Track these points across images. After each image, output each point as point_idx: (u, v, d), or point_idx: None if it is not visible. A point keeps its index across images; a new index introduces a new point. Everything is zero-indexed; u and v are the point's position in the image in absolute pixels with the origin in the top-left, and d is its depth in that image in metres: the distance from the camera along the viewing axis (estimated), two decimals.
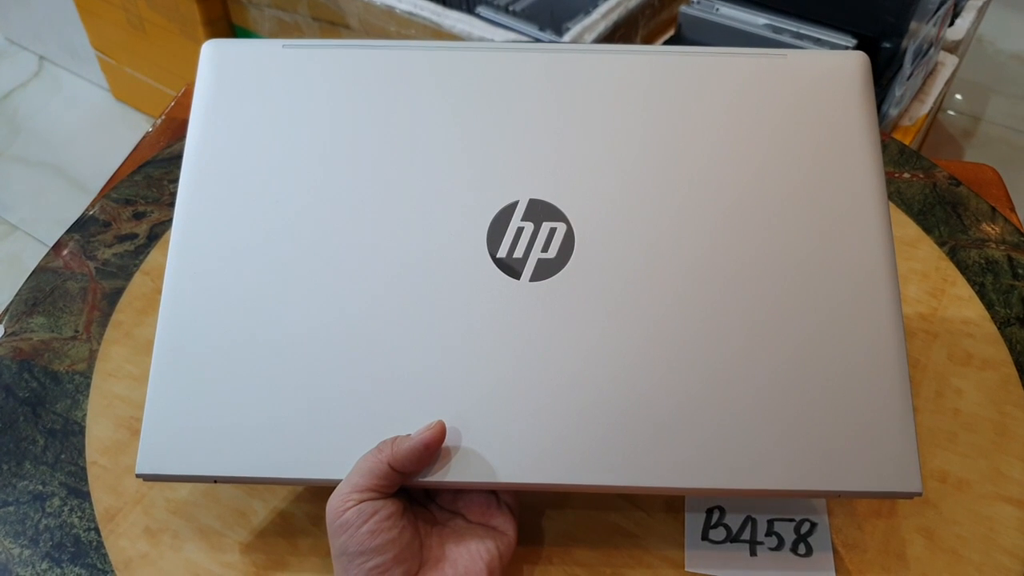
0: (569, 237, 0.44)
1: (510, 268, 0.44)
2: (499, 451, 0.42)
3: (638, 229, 0.45)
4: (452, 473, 0.41)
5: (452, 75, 0.48)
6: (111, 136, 1.60)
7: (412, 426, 0.42)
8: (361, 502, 0.40)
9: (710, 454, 0.41)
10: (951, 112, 1.68)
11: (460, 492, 0.45)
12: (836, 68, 0.47)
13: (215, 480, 0.43)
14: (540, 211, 0.45)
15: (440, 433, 0.41)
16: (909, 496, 0.42)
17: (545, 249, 0.44)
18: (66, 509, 0.50)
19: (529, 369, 0.43)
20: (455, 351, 0.43)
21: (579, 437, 0.42)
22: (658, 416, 0.42)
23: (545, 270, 0.44)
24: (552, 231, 0.44)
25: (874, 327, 0.43)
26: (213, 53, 0.49)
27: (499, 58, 0.48)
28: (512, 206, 0.45)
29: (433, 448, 0.41)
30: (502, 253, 0.44)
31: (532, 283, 0.44)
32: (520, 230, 0.45)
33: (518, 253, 0.44)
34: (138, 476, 0.43)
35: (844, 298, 0.44)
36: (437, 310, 0.43)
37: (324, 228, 0.45)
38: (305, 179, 0.46)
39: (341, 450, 0.42)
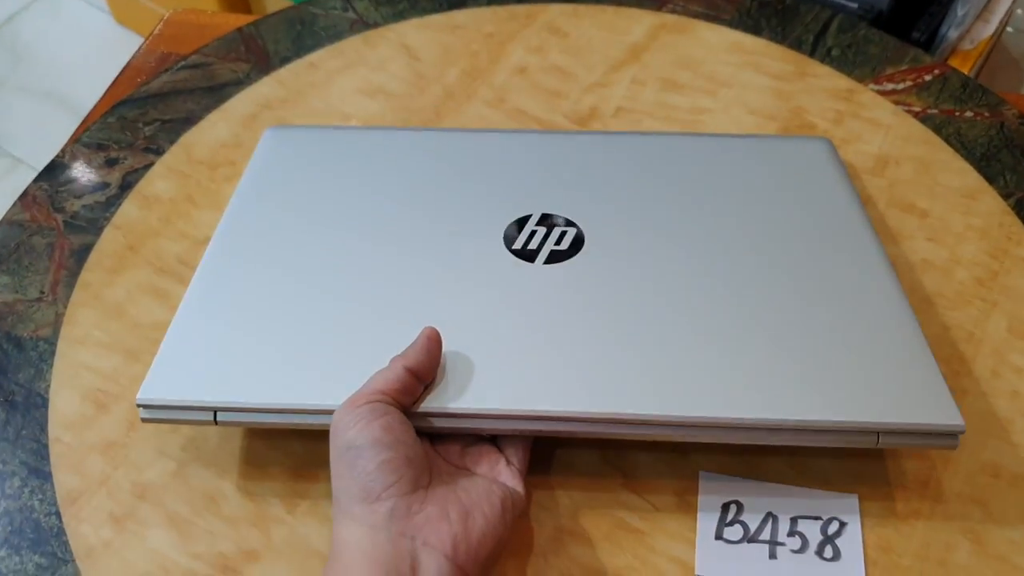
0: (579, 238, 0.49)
1: (525, 256, 0.48)
2: (513, 371, 0.43)
3: (646, 240, 0.49)
4: (464, 400, 0.42)
5: (477, 158, 0.55)
6: (114, 63, 1.52)
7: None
8: (376, 402, 0.39)
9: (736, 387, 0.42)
10: (1010, 29, 1.54)
11: (466, 447, 0.43)
12: (802, 152, 0.55)
13: (215, 415, 0.42)
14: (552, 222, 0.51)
15: (431, 329, 0.42)
16: (953, 436, 0.40)
17: (558, 243, 0.49)
18: (26, 491, 0.46)
19: (544, 330, 0.45)
20: (471, 322, 0.45)
21: (592, 367, 0.43)
22: (671, 356, 0.43)
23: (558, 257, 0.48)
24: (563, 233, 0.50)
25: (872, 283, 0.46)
26: (273, 138, 0.57)
27: (525, 140, 0.57)
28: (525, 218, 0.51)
29: (434, 339, 0.42)
30: (518, 246, 0.49)
31: (546, 265, 0.48)
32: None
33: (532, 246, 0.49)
34: (138, 405, 0.42)
35: (844, 281, 0.46)
36: (457, 287, 0.47)
37: (358, 240, 0.50)
38: (346, 211, 0.52)
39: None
